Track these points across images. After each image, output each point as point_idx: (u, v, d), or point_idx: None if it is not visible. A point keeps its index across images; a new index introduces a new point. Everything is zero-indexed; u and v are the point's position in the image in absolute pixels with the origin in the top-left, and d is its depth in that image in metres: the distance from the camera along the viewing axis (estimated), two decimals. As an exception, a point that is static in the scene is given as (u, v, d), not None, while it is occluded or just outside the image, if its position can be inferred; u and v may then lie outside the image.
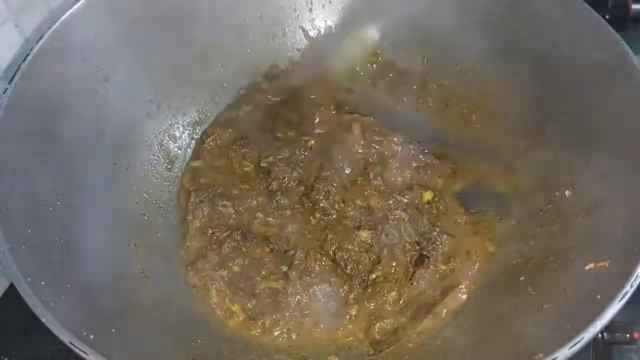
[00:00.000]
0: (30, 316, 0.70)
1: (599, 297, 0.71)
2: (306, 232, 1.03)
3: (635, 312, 1.06)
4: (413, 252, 0.99)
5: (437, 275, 0.97)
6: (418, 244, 1.00)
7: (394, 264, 0.98)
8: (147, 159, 1.11)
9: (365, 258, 0.98)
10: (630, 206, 0.81)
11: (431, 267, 0.97)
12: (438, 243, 1.00)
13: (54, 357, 1.03)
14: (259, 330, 0.94)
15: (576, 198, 0.93)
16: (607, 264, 0.77)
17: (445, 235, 1.00)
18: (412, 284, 0.96)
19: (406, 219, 1.02)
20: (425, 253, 0.98)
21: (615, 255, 0.77)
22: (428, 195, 1.06)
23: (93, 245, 0.92)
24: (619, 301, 0.68)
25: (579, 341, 0.66)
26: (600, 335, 0.95)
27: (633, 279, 0.69)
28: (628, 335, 0.96)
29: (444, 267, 0.98)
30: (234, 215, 1.06)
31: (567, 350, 0.66)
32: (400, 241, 0.99)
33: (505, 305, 0.90)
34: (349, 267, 0.98)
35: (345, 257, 0.98)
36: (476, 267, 0.97)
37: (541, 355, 0.67)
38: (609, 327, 0.94)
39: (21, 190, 0.83)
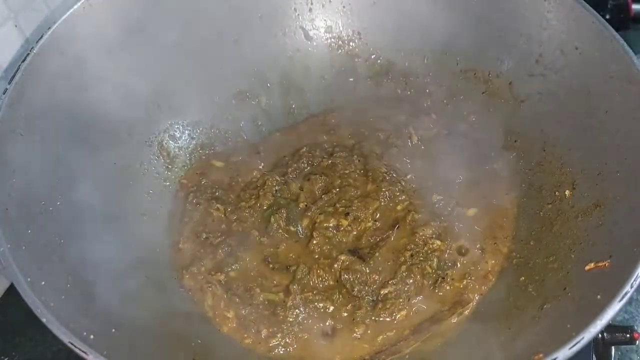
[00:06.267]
0: (30, 316, 0.70)
1: (599, 297, 0.71)
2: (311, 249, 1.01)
3: (635, 312, 1.06)
4: (431, 272, 0.96)
5: (449, 292, 0.95)
6: (439, 267, 0.97)
7: (410, 281, 0.95)
8: (147, 159, 1.11)
9: (376, 279, 0.96)
10: (630, 206, 0.81)
11: (445, 285, 0.96)
12: (459, 265, 0.97)
13: (54, 357, 1.03)
14: (252, 339, 0.93)
15: (576, 198, 0.93)
16: (607, 264, 0.77)
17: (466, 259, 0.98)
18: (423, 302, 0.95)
19: (442, 248, 0.98)
20: (440, 273, 0.96)
21: (615, 255, 0.77)
22: (472, 212, 1.04)
23: (93, 245, 0.92)
24: (619, 301, 0.68)
25: (579, 341, 0.66)
26: (600, 335, 0.95)
27: (633, 279, 0.69)
28: (628, 335, 0.95)
29: (457, 284, 0.96)
30: (225, 223, 1.06)
31: (567, 350, 0.66)
32: (425, 265, 0.97)
33: (505, 306, 0.90)
34: (355, 289, 0.95)
35: (352, 279, 0.95)
36: (490, 285, 0.96)
37: (541, 355, 0.67)
38: (609, 327, 0.94)
39: (21, 190, 0.83)
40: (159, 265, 1.01)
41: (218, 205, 1.07)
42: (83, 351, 0.68)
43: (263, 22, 1.19)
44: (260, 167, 1.14)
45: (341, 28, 1.23)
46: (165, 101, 1.13)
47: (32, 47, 0.91)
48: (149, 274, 0.97)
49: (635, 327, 0.96)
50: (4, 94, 0.86)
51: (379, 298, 0.94)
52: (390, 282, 0.95)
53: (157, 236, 1.05)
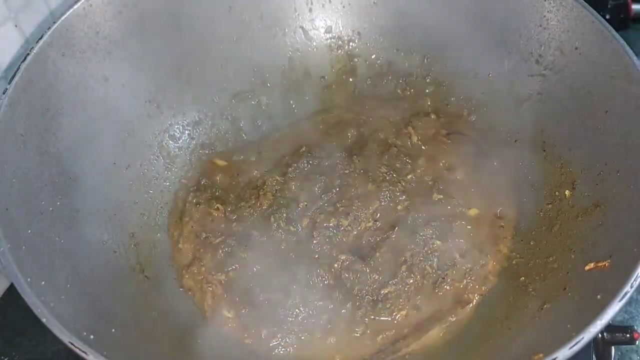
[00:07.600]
0: (30, 316, 0.70)
1: (599, 297, 0.71)
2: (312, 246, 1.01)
3: (635, 312, 1.06)
4: (431, 272, 0.96)
5: (449, 292, 0.95)
6: (439, 267, 0.97)
7: (410, 281, 0.95)
8: (147, 159, 1.10)
9: (376, 279, 0.95)
10: (631, 206, 0.81)
11: (445, 285, 0.95)
12: (459, 265, 0.97)
13: (54, 357, 1.03)
14: (252, 339, 0.93)
15: (576, 198, 0.93)
16: (607, 264, 0.77)
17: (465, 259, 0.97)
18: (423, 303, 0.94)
19: (442, 249, 0.97)
20: (440, 273, 0.96)
21: (615, 255, 0.77)
22: (472, 212, 1.03)
23: (93, 245, 0.92)
24: (619, 301, 0.68)
25: (579, 341, 0.66)
26: (600, 335, 0.95)
27: (633, 279, 0.69)
28: (628, 335, 0.95)
29: (457, 284, 0.96)
30: (225, 223, 1.05)
31: (567, 350, 0.66)
32: (425, 265, 0.96)
33: (505, 306, 0.90)
34: (355, 289, 0.95)
35: (352, 278, 0.95)
36: (490, 285, 0.95)
37: (541, 355, 0.67)
38: (609, 327, 0.94)
39: (21, 190, 0.83)
40: (159, 265, 1.01)
41: (218, 205, 1.07)
42: (83, 351, 0.68)
43: (263, 22, 1.19)
44: (260, 167, 1.14)
45: (341, 28, 1.23)
46: (165, 101, 1.13)
47: (32, 47, 0.91)
48: (148, 274, 0.97)
49: (635, 327, 0.96)
50: (4, 94, 0.86)
51: (379, 298, 0.94)
52: (390, 282, 0.95)
53: (157, 236, 1.05)
